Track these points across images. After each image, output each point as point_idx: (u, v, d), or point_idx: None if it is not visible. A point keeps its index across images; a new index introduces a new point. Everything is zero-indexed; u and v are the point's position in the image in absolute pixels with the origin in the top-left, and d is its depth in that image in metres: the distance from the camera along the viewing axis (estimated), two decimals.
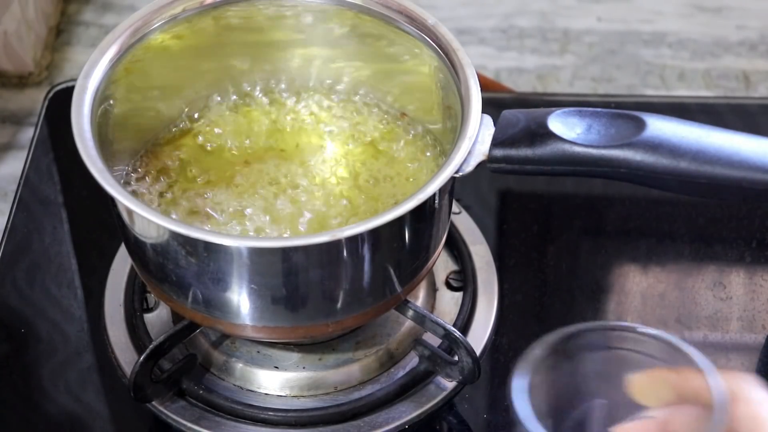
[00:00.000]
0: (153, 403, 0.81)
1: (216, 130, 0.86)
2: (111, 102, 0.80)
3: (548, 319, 0.88)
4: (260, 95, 0.87)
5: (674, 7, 1.14)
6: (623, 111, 0.76)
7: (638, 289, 0.89)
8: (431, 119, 0.84)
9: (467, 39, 1.12)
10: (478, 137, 0.75)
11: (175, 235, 0.72)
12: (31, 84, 1.07)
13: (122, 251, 0.89)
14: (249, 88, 0.87)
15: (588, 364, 0.67)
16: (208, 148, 0.85)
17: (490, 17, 1.14)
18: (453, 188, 0.78)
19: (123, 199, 0.72)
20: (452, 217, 0.88)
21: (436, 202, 0.75)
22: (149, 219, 0.72)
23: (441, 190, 0.74)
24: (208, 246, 0.72)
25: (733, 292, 0.88)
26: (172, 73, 0.85)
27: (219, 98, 0.87)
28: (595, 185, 0.94)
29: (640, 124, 0.75)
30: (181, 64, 0.85)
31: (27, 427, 0.83)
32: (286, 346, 0.83)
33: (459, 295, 0.87)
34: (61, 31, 1.11)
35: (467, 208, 0.92)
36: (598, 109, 0.77)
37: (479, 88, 0.77)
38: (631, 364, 0.68)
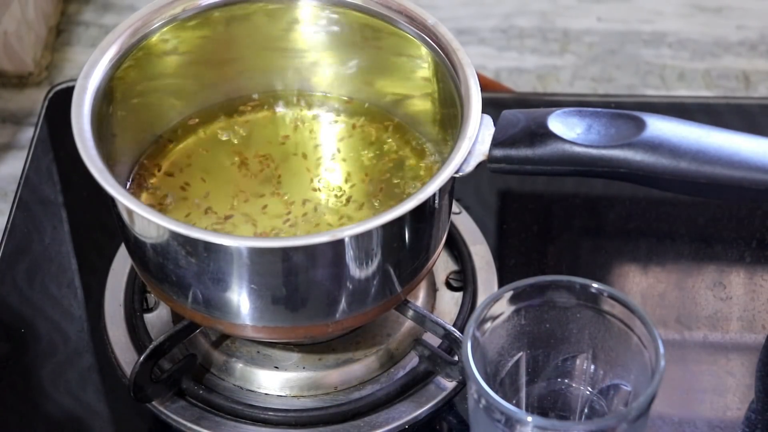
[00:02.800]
0: (153, 403, 0.81)
1: (217, 130, 0.86)
2: (111, 102, 0.80)
3: None
4: (260, 96, 0.87)
5: (674, 7, 1.14)
6: (623, 111, 0.76)
7: (638, 289, 0.89)
8: (431, 119, 0.84)
9: (467, 39, 1.12)
10: (478, 137, 0.75)
11: (175, 235, 0.72)
12: (31, 84, 1.07)
13: (122, 251, 0.89)
14: (249, 89, 0.87)
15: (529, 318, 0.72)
16: (209, 148, 0.85)
17: (490, 17, 1.14)
18: (453, 188, 0.78)
19: (123, 199, 0.72)
20: (452, 217, 0.88)
21: (436, 202, 0.75)
22: (149, 219, 0.72)
23: (441, 190, 0.73)
24: (208, 246, 0.72)
25: (733, 292, 0.88)
26: (173, 73, 0.85)
27: (219, 98, 0.87)
28: (595, 185, 0.94)
29: (640, 124, 0.75)
30: (182, 64, 0.85)
31: (27, 427, 0.83)
32: (286, 346, 0.83)
33: (459, 295, 0.87)
34: (61, 31, 1.11)
35: (467, 208, 0.92)
36: (598, 109, 0.77)
37: (479, 88, 0.77)
38: (576, 319, 0.72)
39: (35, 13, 1.07)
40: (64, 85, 1.01)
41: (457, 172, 0.74)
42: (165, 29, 0.82)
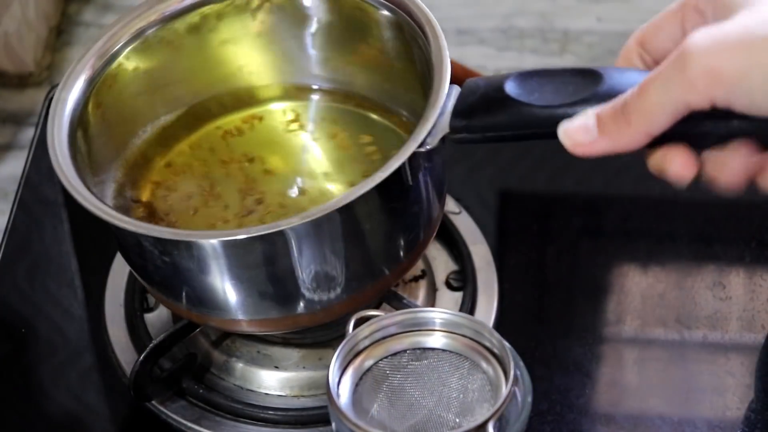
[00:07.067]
0: (153, 402, 0.81)
1: (198, 131, 0.86)
2: (90, 113, 0.80)
3: (548, 319, 0.88)
4: (233, 99, 0.87)
5: None
6: (581, 67, 0.73)
7: (638, 289, 0.89)
8: (409, 103, 0.83)
9: (467, 39, 1.12)
10: (445, 110, 0.73)
11: (144, 237, 0.73)
12: (32, 84, 1.07)
13: None
14: (222, 92, 0.87)
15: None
16: (194, 149, 0.85)
17: (490, 17, 1.14)
18: (433, 166, 0.76)
19: (89, 205, 0.73)
20: (452, 217, 0.88)
21: (407, 178, 0.73)
22: (113, 222, 0.72)
23: (411, 167, 0.72)
24: (175, 244, 0.72)
25: (733, 292, 0.88)
26: (152, 79, 0.84)
27: (198, 102, 0.87)
28: (595, 185, 0.94)
29: (597, 78, 0.71)
30: (160, 70, 0.84)
31: (27, 427, 0.83)
32: (286, 345, 0.83)
33: (459, 295, 0.87)
34: (61, 31, 1.11)
35: (467, 208, 0.92)
36: (557, 68, 0.74)
37: (449, 62, 0.75)
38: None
39: (36, 13, 1.07)
40: None
41: (421, 147, 0.72)
42: (142, 39, 0.83)
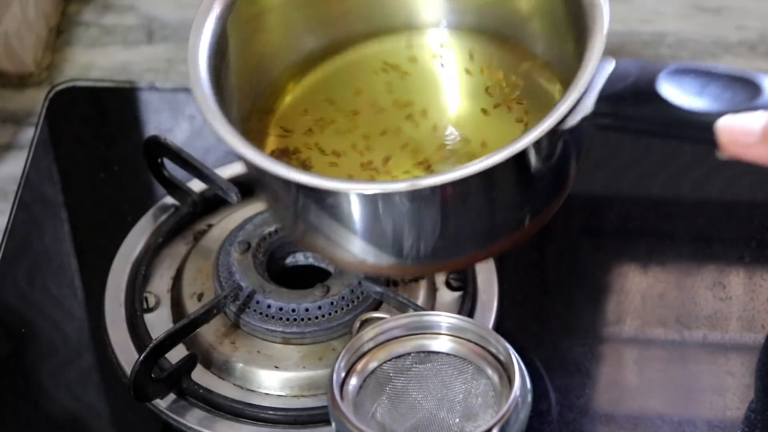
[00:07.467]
0: (153, 402, 0.81)
1: (330, 74, 0.84)
2: (224, 57, 0.78)
3: (548, 319, 0.88)
4: (367, 34, 0.84)
5: (674, 7, 1.14)
6: (740, 73, 0.69)
7: (638, 289, 0.89)
8: (555, 49, 0.80)
9: None
10: (593, 88, 0.70)
11: (293, 185, 0.72)
12: (32, 84, 1.07)
13: (122, 251, 0.89)
14: (362, 28, 0.84)
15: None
16: (326, 93, 0.83)
17: None
18: (567, 144, 0.73)
19: (253, 157, 0.71)
20: None
21: (540, 153, 0.71)
22: (279, 175, 0.71)
23: (545, 143, 0.70)
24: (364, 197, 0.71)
25: (733, 292, 0.88)
26: (284, 17, 0.82)
27: (335, 39, 0.84)
28: (595, 185, 0.94)
29: (756, 89, 0.68)
30: (288, 9, 0.82)
31: (27, 427, 0.83)
32: (286, 345, 0.83)
33: (459, 295, 0.87)
34: (61, 31, 1.11)
35: None
36: (715, 67, 0.69)
37: (604, 35, 0.72)
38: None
39: (36, 13, 1.07)
40: (64, 85, 1.01)
41: (560, 124, 0.69)
42: None
